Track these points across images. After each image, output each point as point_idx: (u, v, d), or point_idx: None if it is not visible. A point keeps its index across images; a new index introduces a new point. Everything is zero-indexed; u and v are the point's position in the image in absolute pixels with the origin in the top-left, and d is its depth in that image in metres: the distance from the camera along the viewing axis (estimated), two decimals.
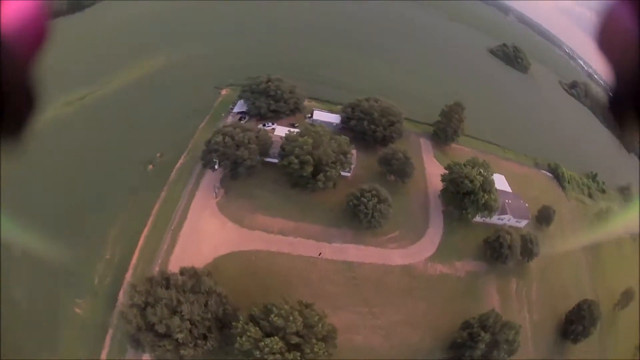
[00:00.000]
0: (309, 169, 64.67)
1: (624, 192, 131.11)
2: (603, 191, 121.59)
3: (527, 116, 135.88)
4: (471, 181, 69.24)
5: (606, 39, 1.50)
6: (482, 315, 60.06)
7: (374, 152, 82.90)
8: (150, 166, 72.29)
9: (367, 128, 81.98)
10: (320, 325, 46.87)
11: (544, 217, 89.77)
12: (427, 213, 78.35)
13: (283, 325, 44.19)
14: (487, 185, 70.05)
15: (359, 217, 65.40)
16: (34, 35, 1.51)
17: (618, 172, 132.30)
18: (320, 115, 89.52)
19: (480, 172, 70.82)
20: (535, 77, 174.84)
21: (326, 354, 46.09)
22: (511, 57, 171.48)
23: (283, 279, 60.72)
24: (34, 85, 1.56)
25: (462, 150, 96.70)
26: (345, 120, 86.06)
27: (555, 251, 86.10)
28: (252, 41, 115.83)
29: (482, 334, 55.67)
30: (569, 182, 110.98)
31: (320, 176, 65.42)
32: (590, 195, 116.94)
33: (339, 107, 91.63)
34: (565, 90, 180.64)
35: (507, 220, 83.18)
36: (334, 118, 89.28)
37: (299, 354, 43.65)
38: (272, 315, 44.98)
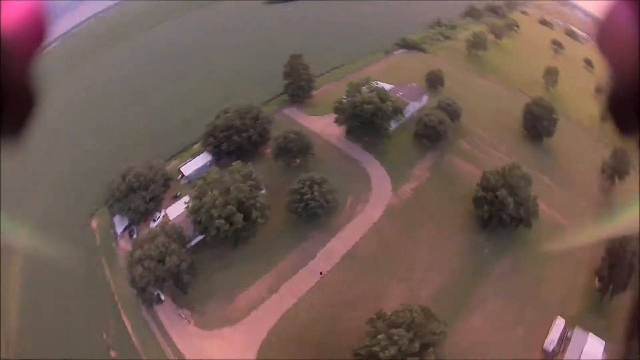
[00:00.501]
0: (240, 217, 55.54)
1: (468, 14, 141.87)
2: (453, 27, 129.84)
3: (342, 23, 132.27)
4: (369, 103, 66.31)
5: (606, 39, 1.44)
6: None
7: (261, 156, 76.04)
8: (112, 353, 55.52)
9: (242, 139, 72.96)
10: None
11: (435, 81, 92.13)
12: (353, 161, 74.88)
13: None
14: (383, 94, 67.98)
15: (315, 212, 59.09)
16: (34, 35, 1.50)
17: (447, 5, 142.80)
18: (191, 166, 77.92)
19: (370, 89, 68.41)
20: None
21: None
22: None
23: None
24: (34, 85, 1.56)
25: (327, 91, 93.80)
26: (216, 151, 75.86)
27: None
28: None
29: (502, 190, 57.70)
30: (424, 44, 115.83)
31: (255, 213, 56.77)
32: (447, 37, 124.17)
33: (196, 146, 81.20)
34: None
35: (412, 107, 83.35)
36: (202, 159, 78.45)
37: None
38: None
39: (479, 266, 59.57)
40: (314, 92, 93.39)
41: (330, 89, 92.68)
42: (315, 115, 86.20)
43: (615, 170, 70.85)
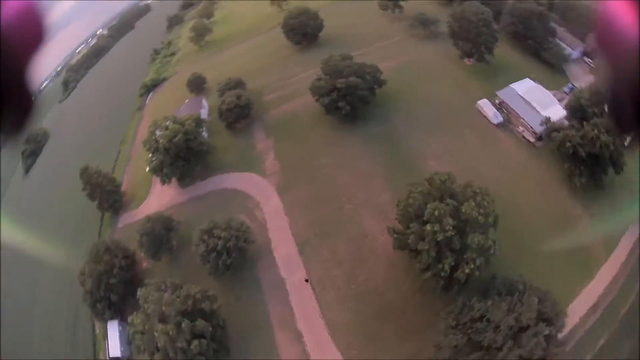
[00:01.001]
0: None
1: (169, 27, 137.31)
2: (169, 44, 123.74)
3: None
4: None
5: (606, 39, 1.46)
6: None
7: None
8: None
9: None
10: None
11: (198, 83, 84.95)
12: None
13: None
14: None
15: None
16: (33, 35, 1.53)
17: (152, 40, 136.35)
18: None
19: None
20: None
21: None
22: None
23: None
24: (32, 85, 1.57)
25: None
26: None
27: None
28: None
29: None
30: (163, 74, 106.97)
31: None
32: (173, 53, 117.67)
33: None
34: None
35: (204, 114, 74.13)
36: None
37: None
38: None
39: None
40: None
41: None
42: None
43: None
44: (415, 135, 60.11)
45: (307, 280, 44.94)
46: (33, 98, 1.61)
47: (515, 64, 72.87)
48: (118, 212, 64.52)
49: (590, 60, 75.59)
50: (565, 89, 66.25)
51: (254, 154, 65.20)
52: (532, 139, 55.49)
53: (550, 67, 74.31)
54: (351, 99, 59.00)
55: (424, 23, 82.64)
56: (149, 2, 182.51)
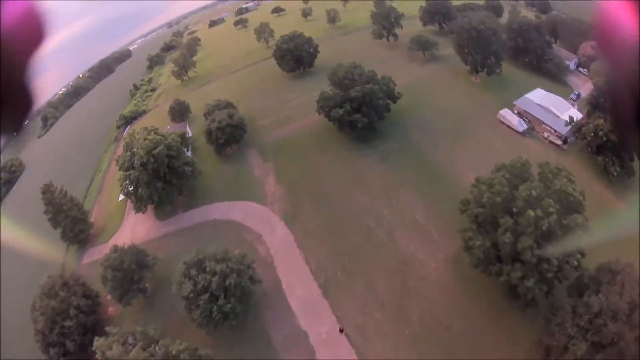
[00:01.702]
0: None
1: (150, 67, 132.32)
2: (149, 81, 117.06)
3: None
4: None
5: (606, 39, 1.44)
6: None
7: None
8: None
9: None
10: None
11: (182, 112, 75.70)
12: None
13: None
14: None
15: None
16: (33, 35, 1.52)
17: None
18: None
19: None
20: None
21: None
22: None
23: None
24: (32, 84, 1.55)
25: None
26: None
27: None
28: None
29: None
30: (142, 108, 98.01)
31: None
32: (153, 89, 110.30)
33: None
34: None
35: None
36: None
37: None
38: None
39: None
40: None
41: None
42: None
43: None
44: (441, 148, 52.18)
45: (341, 331, 32.29)
46: (32, 98, 1.54)
47: (519, 78, 71.57)
48: (85, 246, 51.42)
49: (585, 70, 76.94)
50: (572, 96, 67.85)
51: (251, 179, 54.84)
52: (558, 142, 54.71)
53: (551, 78, 73.61)
54: (367, 110, 50.73)
55: (423, 46, 78.70)
56: (130, 48, 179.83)
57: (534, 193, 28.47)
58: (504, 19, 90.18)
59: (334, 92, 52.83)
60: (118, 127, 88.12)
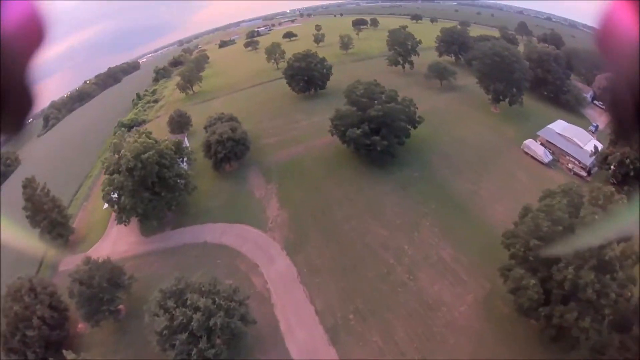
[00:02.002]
0: None
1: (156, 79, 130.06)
2: (153, 92, 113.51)
3: None
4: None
5: (606, 39, 1.43)
6: None
7: None
8: None
9: None
10: None
11: (182, 124, 71.02)
12: None
13: None
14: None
15: None
16: (34, 35, 1.50)
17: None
18: None
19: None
20: None
21: None
22: None
23: None
24: (32, 85, 1.52)
25: None
26: None
27: None
28: None
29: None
30: (143, 117, 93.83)
31: None
32: (156, 100, 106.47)
33: None
34: None
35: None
36: None
37: None
38: None
39: None
40: None
41: None
42: None
43: None
44: (463, 178, 47.35)
45: None
46: (33, 99, 1.50)
47: (538, 109, 70.17)
48: (64, 251, 45.38)
49: (600, 103, 75.94)
50: (591, 128, 67.25)
51: (250, 201, 49.20)
52: (583, 173, 53.51)
53: (568, 110, 72.60)
54: (387, 133, 45.95)
55: (441, 74, 75.67)
56: (140, 61, 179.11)
57: (596, 218, 24.07)
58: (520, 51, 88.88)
59: (351, 110, 48.27)
60: (115, 134, 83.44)
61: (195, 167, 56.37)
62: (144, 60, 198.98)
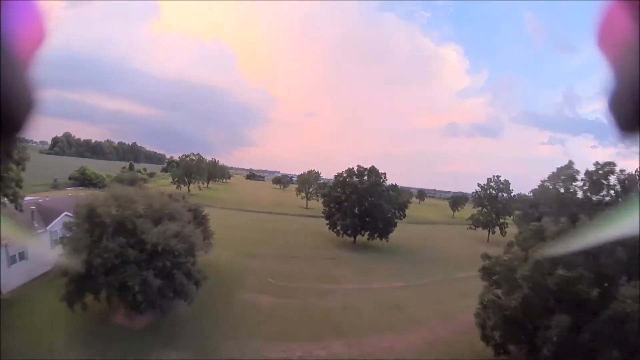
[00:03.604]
0: None
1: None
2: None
3: None
4: None
5: (606, 38, 1.18)
6: None
7: None
8: None
9: None
10: None
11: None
12: None
13: None
14: None
15: None
16: (34, 35, 1.23)
17: None
18: None
19: None
20: None
21: None
22: None
23: None
24: (33, 86, 1.23)
25: None
26: None
27: None
28: None
29: None
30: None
31: None
32: None
33: None
34: None
35: None
36: None
37: None
38: None
39: None
40: None
41: None
42: None
43: None
44: None
45: None
46: (33, 100, 1.24)
47: None
48: None
49: None
50: None
51: None
52: None
53: None
54: None
55: None
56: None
57: None
58: None
59: None
60: None
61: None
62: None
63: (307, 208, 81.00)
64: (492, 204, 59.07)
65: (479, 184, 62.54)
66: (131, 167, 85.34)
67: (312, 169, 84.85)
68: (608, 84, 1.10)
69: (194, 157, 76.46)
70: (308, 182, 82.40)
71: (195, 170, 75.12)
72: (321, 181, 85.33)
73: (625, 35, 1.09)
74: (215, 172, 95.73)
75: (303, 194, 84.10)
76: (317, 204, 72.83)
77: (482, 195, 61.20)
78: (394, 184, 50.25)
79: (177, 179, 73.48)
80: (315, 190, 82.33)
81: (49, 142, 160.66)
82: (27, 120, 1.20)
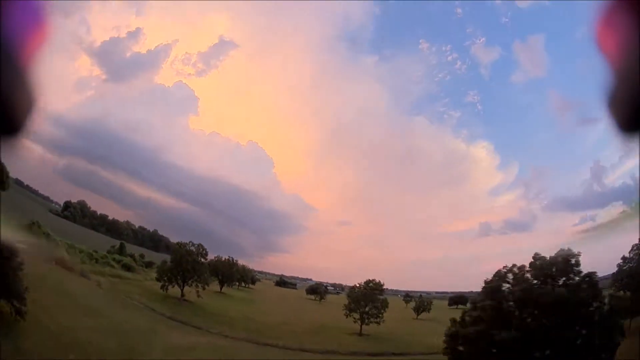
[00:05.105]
0: None
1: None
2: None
3: None
4: None
5: (606, 38, 1.47)
6: None
7: None
8: None
9: None
10: None
11: None
12: None
13: None
14: None
15: None
16: (34, 36, 1.52)
17: None
18: None
19: None
20: None
21: None
22: None
23: None
24: (33, 86, 1.55)
25: None
26: None
27: None
28: None
29: None
30: None
31: None
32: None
33: None
34: None
35: None
36: None
37: None
38: None
39: None
40: None
41: None
42: None
43: None
44: None
45: None
46: (33, 100, 1.49)
47: None
48: None
49: None
50: None
51: None
52: None
53: None
54: None
55: None
56: None
57: None
58: None
59: None
60: None
61: None
62: None
63: (361, 335, 53.77)
64: None
65: None
66: (121, 248, 66.49)
67: (371, 279, 58.67)
68: (608, 84, 1.16)
69: (192, 248, 53.79)
70: (366, 298, 55.63)
71: (191, 267, 51.70)
72: (383, 296, 58.40)
73: (625, 35, 1.11)
74: (231, 274, 70.65)
75: (355, 314, 56.61)
76: (377, 329, 53.81)
77: None
78: None
79: (166, 276, 51.00)
80: (374, 310, 55.08)
81: (58, 201, 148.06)
82: (27, 121, 1.30)
